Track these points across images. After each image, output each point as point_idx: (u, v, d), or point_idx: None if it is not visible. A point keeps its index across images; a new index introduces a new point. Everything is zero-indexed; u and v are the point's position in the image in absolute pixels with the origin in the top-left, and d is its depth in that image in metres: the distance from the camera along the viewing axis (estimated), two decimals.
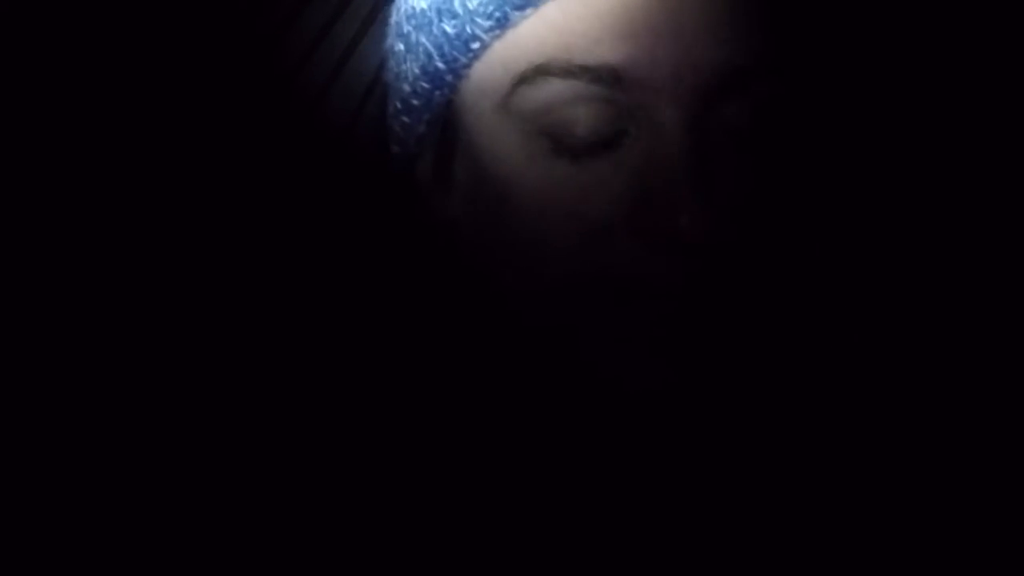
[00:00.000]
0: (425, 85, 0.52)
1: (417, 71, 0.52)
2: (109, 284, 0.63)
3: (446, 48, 0.50)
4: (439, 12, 0.51)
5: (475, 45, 0.49)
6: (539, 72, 0.47)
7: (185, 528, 0.51)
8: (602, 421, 0.51)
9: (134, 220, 0.64)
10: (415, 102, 0.53)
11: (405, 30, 0.53)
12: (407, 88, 0.53)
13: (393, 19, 0.56)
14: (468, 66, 0.50)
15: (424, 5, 0.52)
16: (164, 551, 0.52)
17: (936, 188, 0.64)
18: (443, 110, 0.52)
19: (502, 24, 0.48)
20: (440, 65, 0.51)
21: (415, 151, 0.55)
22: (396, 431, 0.53)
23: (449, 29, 0.50)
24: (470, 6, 0.49)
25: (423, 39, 0.52)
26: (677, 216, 0.45)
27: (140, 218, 0.65)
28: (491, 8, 0.48)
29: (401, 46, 0.54)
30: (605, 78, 0.46)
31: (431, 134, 0.53)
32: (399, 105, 0.54)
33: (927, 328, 0.57)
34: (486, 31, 0.49)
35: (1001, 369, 0.56)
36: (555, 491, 0.51)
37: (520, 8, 0.47)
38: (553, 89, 0.47)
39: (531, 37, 0.47)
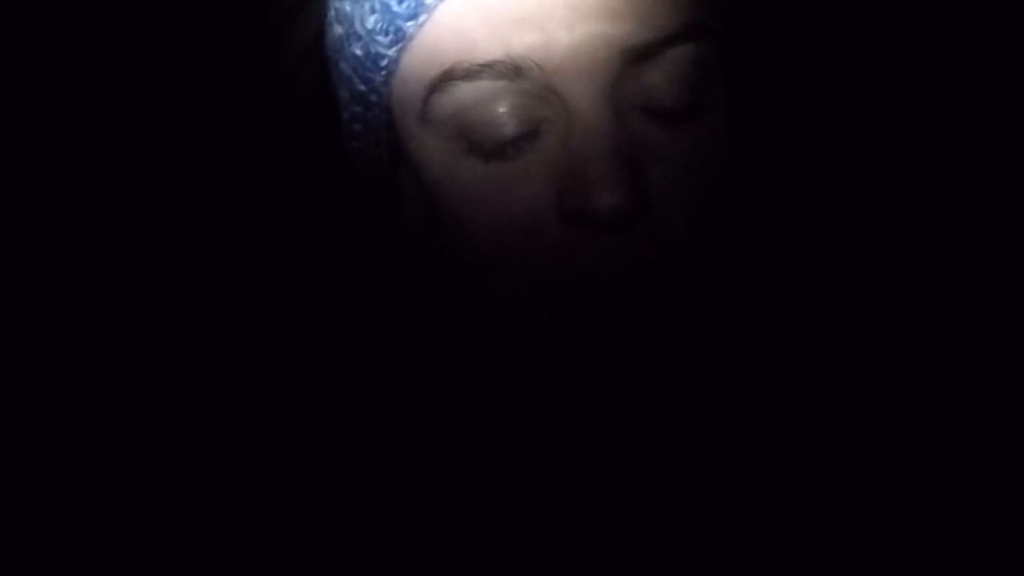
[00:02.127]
0: (357, 108, 0.52)
1: (347, 95, 0.53)
2: (100, 281, 0.63)
3: (360, 70, 0.51)
4: (347, 36, 0.51)
5: (383, 62, 0.49)
6: (445, 79, 0.47)
7: (180, 528, 0.51)
8: (575, 413, 0.51)
9: (125, 223, 0.65)
10: (356, 126, 0.54)
11: (332, 57, 0.54)
12: (346, 114, 0.54)
13: (326, 42, 0.56)
14: (386, 83, 0.50)
15: (340, 31, 0.52)
16: (162, 551, 0.52)
17: (891, 172, 0.63)
18: (384, 131, 0.52)
19: (401, 38, 0.48)
20: (361, 87, 0.51)
21: (376, 171, 0.55)
22: (371, 435, 0.53)
23: (358, 51, 0.50)
24: (368, 26, 0.49)
25: (343, 65, 0.52)
26: (594, 195, 0.45)
27: (128, 221, 0.65)
28: (385, 24, 0.48)
29: (332, 73, 0.54)
30: (507, 71, 0.46)
31: (379, 152, 0.53)
32: (348, 131, 0.55)
33: (880, 300, 0.56)
34: (387, 47, 0.49)
35: (985, 359, 0.55)
36: (533, 487, 0.51)
37: (412, 18, 0.48)
38: (462, 92, 0.47)
39: (433, 45, 0.47)
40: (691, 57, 0.47)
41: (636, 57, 0.46)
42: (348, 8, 0.51)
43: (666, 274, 0.47)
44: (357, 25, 0.50)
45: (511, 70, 0.46)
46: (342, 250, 0.64)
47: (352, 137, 0.54)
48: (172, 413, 0.56)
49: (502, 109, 0.47)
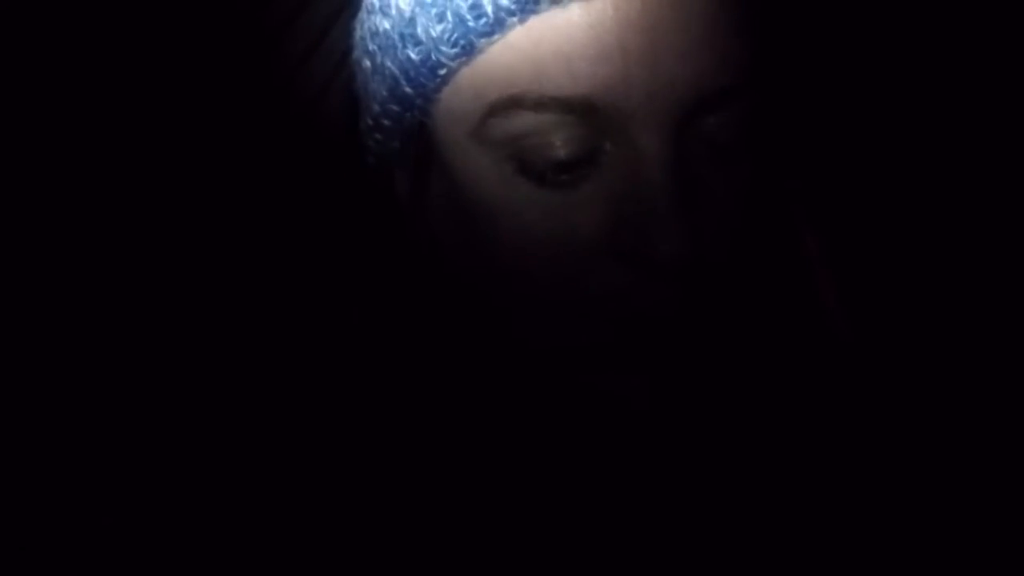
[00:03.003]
0: (395, 108, 0.51)
1: (385, 93, 0.51)
2: (99, 280, 0.63)
3: (412, 74, 0.49)
4: (403, 37, 0.49)
5: (442, 72, 0.48)
6: (511, 105, 0.46)
7: (178, 529, 0.52)
8: (588, 438, 0.51)
9: (124, 223, 0.65)
10: (386, 122, 0.52)
11: (371, 48, 0.52)
12: (377, 108, 0.52)
13: (357, 34, 0.54)
14: (437, 91, 0.48)
15: (387, 26, 0.50)
16: (161, 551, 0.52)
17: (925, 197, 0.64)
18: (416, 130, 0.51)
19: (468, 52, 0.47)
20: (408, 90, 0.49)
21: (391, 164, 0.54)
22: (377, 443, 0.53)
23: (414, 56, 0.48)
24: (434, 33, 0.47)
25: (388, 63, 0.50)
26: (657, 242, 0.44)
27: (126, 220, 0.65)
28: (455, 36, 0.47)
29: (368, 63, 0.52)
30: (578, 108, 0.45)
31: (406, 151, 0.52)
32: (371, 122, 0.53)
33: (919, 347, 0.57)
34: (451, 59, 0.47)
35: (999, 374, 0.56)
36: (533, 498, 0.51)
37: (486, 35, 0.46)
38: (526, 120, 0.46)
39: (500, 65, 0.46)
40: (751, 103, 0.47)
41: (703, 100, 0.45)
42: (406, 9, 0.49)
43: (704, 317, 0.47)
44: (419, 30, 0.48)
45: (583, 107, 0.45)
46: (341, 250, 0.64)
47: (377, 130, 0.53)
48: (174, 412, 0.56)
49: (564, 141, 0.46)
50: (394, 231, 0.56)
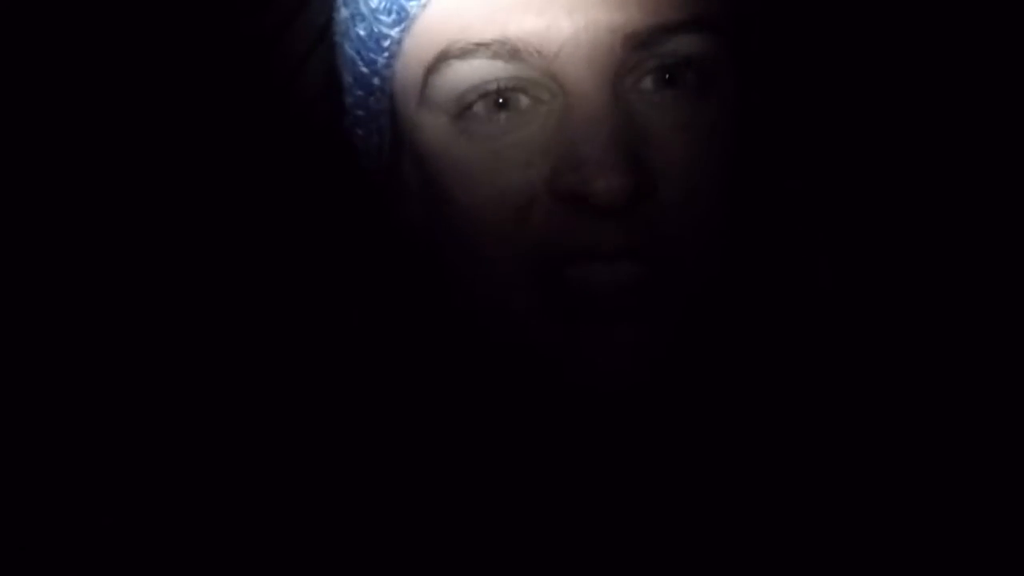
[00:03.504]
0: (359, 93, 0.53)
1: (351, 79, 0.53)
2: (93, 281, 0.63)
3: (363, 51, 0.51)
4: (352, 17, 0.52)
5: (386, 43, 0.50)
6: (441, 58, 0.47)
7: (178, 529, 0.51)
8: (566, 416, 0.51)
9: (123, 223, 0.65)
10: (359, 112, 0.54)
11: (338, 42, 0.54)
12: (349, 99, 0.54)
13: (335, 36, 0.56)
14: (389, 66, 0.50)
15: (346, 13, 0.53)
16: (161, 551, 0.52)
17: (921, 189, 0.63)
18: (386, 118, 0.52)
19: (403, 18, 0.49)
20: (364, 69, 0.52)
21: (378, 163, 0.55)
22: (364, 435, 0.53)
23: (361, 32, 0.51)
24: (372, 5, 0.50)
25: (347, 47, 0.53)
26: (590, 178, 0.45)
27: (125, 220, 0.65)
28: (388, 4, 0.49)
29: (338, 59, 0.55)
30: (503, 52, 0.46)
31: (384, 142, 0.54)
32: (351, 118, 0.55)
33: (909, 335, 0.56)
34: (390, 27, 0.49)
35: (995, 369, 0.55)
36: (525, 492, 0.51)
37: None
38: (458, 72, 0.47)
39: (433, 26, 0.48)
40: (695, 48, 0.47)
41: (638, 44, 0.46)
42: None
43: (661, 264, 0.47)
44: (362, 5, 0.51)
45: (507, 51, 0.46)
46: (342, 249, 0.64)
47: (355, 124, 0.55)
48: (172, 412, 0.56)
49: (496, 86, 0.47)
50: (386, 232, 0.57)
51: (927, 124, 0.64)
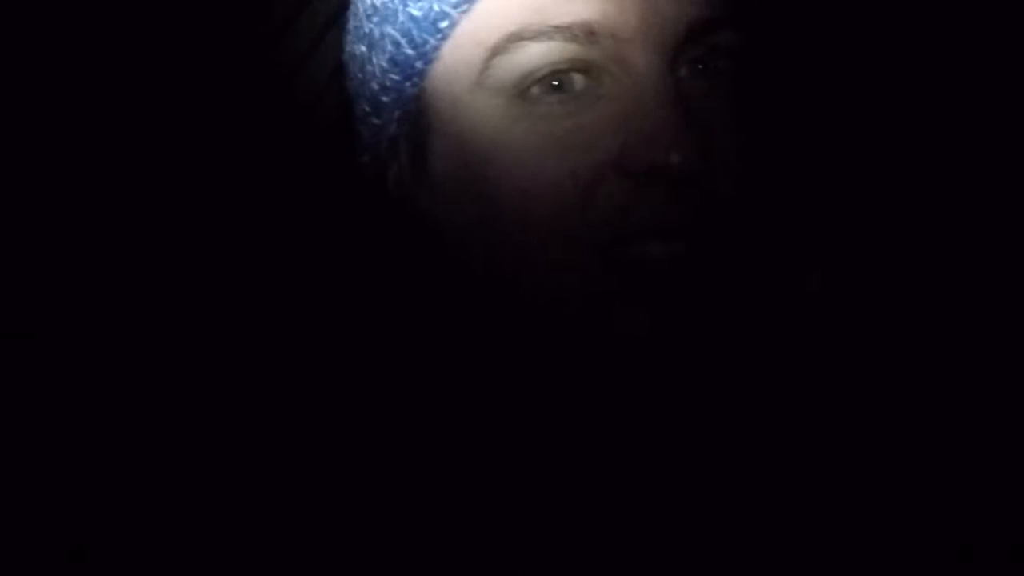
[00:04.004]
0: (395, 77, 0.52)
1: (385, 64, 0.53)
2: (94, 280, 0.63)
3: (415, 32, 0.51)
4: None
5: (443, 24, 0.50)
6: (513, 39, 0.48)
7: (178, 528, 0.51)
8: (597, 400, 0.51)
9: (124, 222, 0.64)
10: (384, 99, 0.53)
11: (367, 29, 0.54)
12: (375, 86, 0.54)
13: (351, 24, 0.56)
14: (438, 48, 0.50)
15: None
16: (161, 551, 0.51)
17: (921, 189, 0.64)
18: (413, 104, 0.52)
19: (467, 1, 0.49)
20: (409, 51, 0.51)
21: (386, 156, 0.55)
22: (387, 428, 0.52)
23: (416, 12, 0.51)
24: None
25: (389, 30, 0.52)
26: (670, 151, 0.47)
27: (127, 220, 0.65)
28: None
29: (363, 48, 0.54)
30: (579, 34, 0.48)
31: (403, 132, 0.53)
32: (367, 108, 0.55)
33: (909, 338, 0.57)
34: (454, 6, 0.49)
35: (990, 369, 0.56)
36: (547, 476, 0.51)
37: None
38: (530, 53, 0.48)
39: (498, 8, 0.49)
40: (734, 41, 0.50)
41: (693, 34, 0.49)
42: None
43: (708, 233, 0.49)
44: None
45: (584, 33, 0.48)
46: (339, 251, 0.64)
47: (372, 113, 0.54)
48: (177, 410, 0.56)
49: (568, 66, 0.48)
50: (390, 230, 0.56)
51: (926, 126, 0.65)
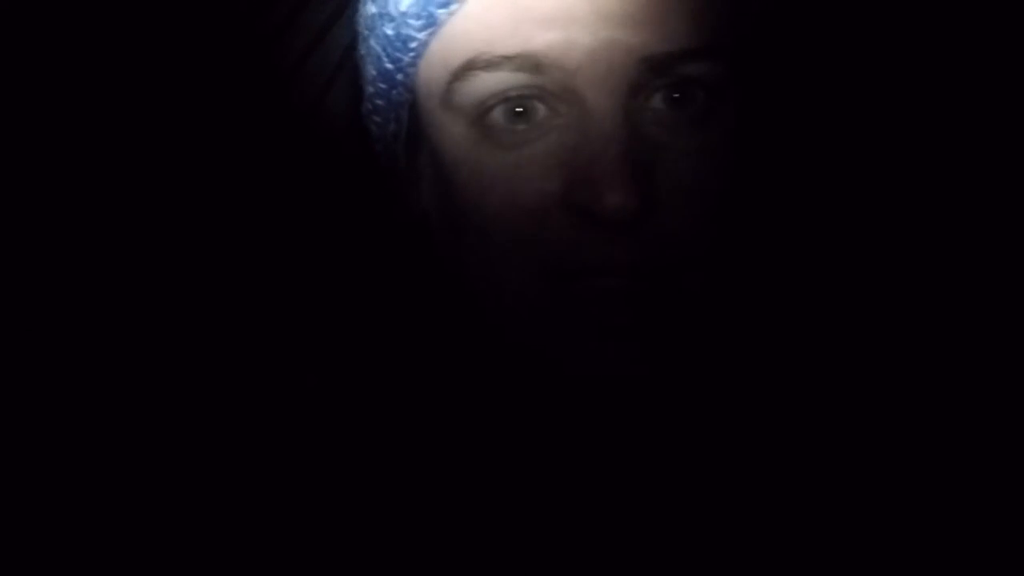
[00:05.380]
0: (382, 85, 0.54)
1: (374, 72, 0.55)
2: (97, 279, 0.64)
3: (389, 50, 0.53)
4: (380, 16, 0.53)
5: (413, 44, 0.51)
6: (467, 68, 0.49)
7: (178, 528, 0.51)
8: (570, 416, 0.52)
9: (125, 222, 0.65)
10: (379, 102, 0.55)
11: (363, 33, 0.56)
12: (371, 89, 0.56)
13: (358, 25, 0.57)
14: (413, 65, 0.52)
15: (373, 10, 0.54)
16: (163, 551, 0.52)
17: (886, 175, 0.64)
18: (406, 109, 0.54)
19: (432, 24, 0.50)
20: (388, 65, 0.53)
21: (393, 149, 0.57)
22: (374, 426, 0.53)
23: (389, 32, 0.52)
24: (402, 8, 0.52)
25: (372, 42, 0.54)
26: (602, 193, 0.46)
27: (127, 219, 0.65)
28: (418, 9, 0.51)
29: (362, 49, 0.56)
30: (526, 65, 0.48)
31: (401, 131, 0.55)
32: (369, 106, 0.57)
33: (883, 308, 0.57)
34: (418, 31, 0.51)
35: (985, 362, 0.55)
36: (532, 485, 0.52)
37: (444, 6, 0.50)
38: (482, 82, 0.49)
39: (460, 34, 0.50)
40: (705, 72, 0.49)
41: (653, 67, 0.48)
42: None
43: (666, 277, 0.49)
44: (391, 6, 0.52)
45: (531, 65, 0.48)
46: (346, 246, 0.64)
47: (373, 112, 0.56)
48: (184, 408, 0.56)
49: (519, 101, 0.49)
50: (398, 219, 0.58)
51: (918, 142, 0.65)
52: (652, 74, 0.48)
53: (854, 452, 0.52)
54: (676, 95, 0.49)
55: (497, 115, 0.49)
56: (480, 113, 0.49)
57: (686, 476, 0.52)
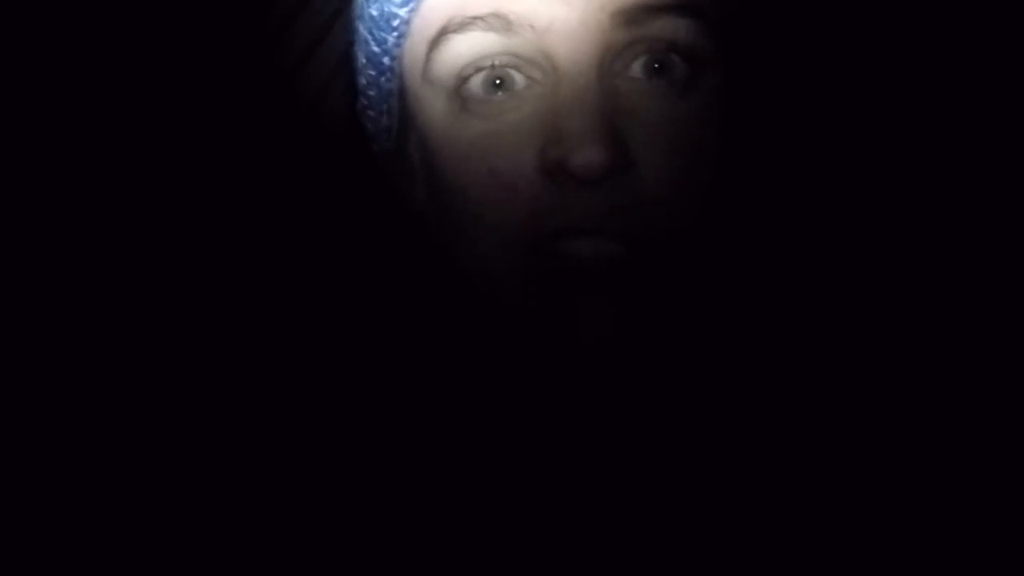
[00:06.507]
0: (372, 73, 0.54)
1: (364, 60, 0.55)
2: (96, 279, 0.64)
3: (375, 31, 0.53)
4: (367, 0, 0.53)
5: (395, 23, 0.52)
6: (441, 32, 0.49)
7: (178, 528, 0.51)
8: (558, 392, 0.51)
9: (124, 221, 0.65)
10: (371, 92, 0.55)
11: (354, 24, 0.56)
12: (363, 80, 0.56)
13: (352, 18, 0.58)
14: (398, 45, 0.52)
15: None
16: (163, 551, 0.52)
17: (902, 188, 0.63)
18: (395, 99, 0.54)
19: None
20: (375, 48, 0.53)
21: (387, 146, 0.56)
22: (373, 422, 0.53)
23: (374, 12, 0.53)
24: None
25: (360, 27, 0.54)
26: (572, 150, 0.46)
27: (127, 218, 0.65)
28: None
29: (355, 40, 0.56)
30: (497, 25, 0.48)
31: (393, 124, 0.55)
32: (364, 100, 0.56)
33: (876, 290, 0.56)
34: (399, 6, 0.51)
35: (980, 354, 0.55)
36: (519, 475, 0.51)
37: None
38: (456, 47, 0.49)
39: (438, 4, 0.50)
40: (682, 33, 0.48)
41: (625, 20, 0.47)
42: None
43: (639, 244, 0.48)
44: None
45: (501, 24, 0.48)
46: (345, 246, 0.64)
47: (367, 105, 0.56)
48: (175, 406, 0.56)
49: (496, 71, 0.49)
50: (394, 214, 0.58)
51: (914, 121, 0.65)
52: (626, 30, 0.47)
53: (846, 439, 0.51)
54: (656, 65, 0.48)
55: (474, 85, 0.49)
56: (458, 84, 0.49)
57: (673, 456, 0.51)
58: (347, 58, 0.60)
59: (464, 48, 0.49)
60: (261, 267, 0.65)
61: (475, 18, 0.48)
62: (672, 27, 0.48)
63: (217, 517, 0.52)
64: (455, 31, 0.49)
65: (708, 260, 0.51)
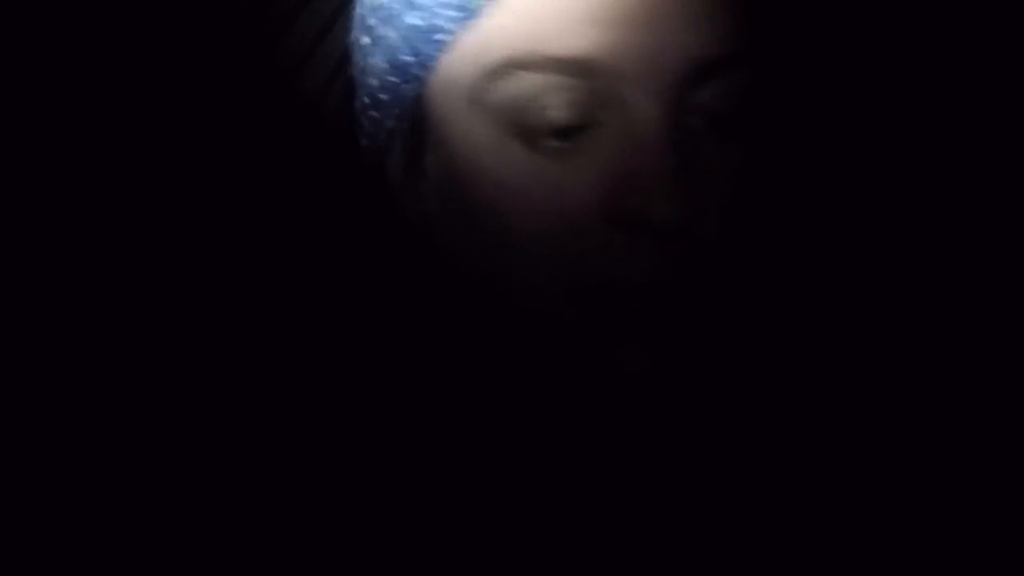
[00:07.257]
0: (393, 79, 0.51)
1: (384, 65, 0.51)
2: (96, 280, 0.64)
3: (412, 40, 0.49)
4: (405, 4, 0.50)
5: (441, 37, 0.48)
6: (508, 66, 0.46)
7: (178, 528, 0.51)
8: (584, 420, 0.51)
9: (124, 221, 0.65)
10: (383, 96, 0.52)
11: (370, 23, 0.52)
12: (375, 82, 0.53)
13: (357, 11, 0.55)
14: (435, 58, 0.49)
15: None
16: (162, 551, 0.52)
17: (923, 181, 0.63)
18: (412, 104, 0.51)
19: (467, 15, 0.47)
20: (407, 58, 0.50)
21: (384, 146, 0.54)
22: (370, 430, 0.53)
23: (417, 22, 0.49)
24: None
25: (389, 32, 0.51)
26: (654, 204, 0.44)
27: (126, 218, 0.65)
28: None
29: (367, 39, 0.53)
30: (575, 69, 0.45)
31: (401, 128, 0.52)
32: (367, 100, 0.54)
33: (915, 322, 0.56)
34: (451, 21, 0.48)
35: (991, 362, 0.55)
36: (540, 492, 0.51)
37: None
38: (523, 82, 0.46)
39: (498, 28, 0.46)
40: (746, 76, 0.47)
41: (703, 69, 0.46)
42: None
43: (698, 286, 0.47)
44: None
45: (580, 68, 0.45)
46: (339, 248, 0.64)
47: (372, 107, 0.54)
48: (179, 409, 0.56)
49: (561, 105, 0.46)
50: (389, 225, 0.56)
51: (949, 143, 0.65)
52: (702, 78, 0.46)
53: (868, 457, 0.52)
54: (720, 107, 0.47)
55: (537, 121, 0.46)
56: (516, 118, 0.46)
57: (693, 479, 0.51)
58: (347, 58, 0.59)
59: (531, 86, 0.46)
60: (260, 267, 0.65)
61: (550, 59, 0.45)
62: (741, 75, 0.47)
63: (217, 517, 0.52)
64: (527, 68, 0.45)
65: (753, 294, 0.51)
